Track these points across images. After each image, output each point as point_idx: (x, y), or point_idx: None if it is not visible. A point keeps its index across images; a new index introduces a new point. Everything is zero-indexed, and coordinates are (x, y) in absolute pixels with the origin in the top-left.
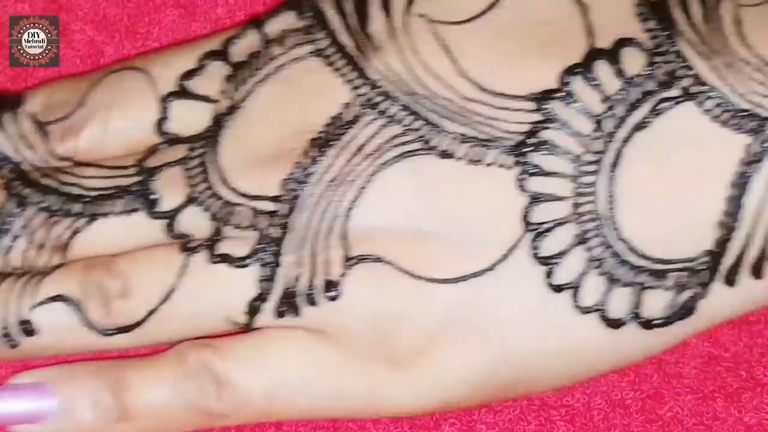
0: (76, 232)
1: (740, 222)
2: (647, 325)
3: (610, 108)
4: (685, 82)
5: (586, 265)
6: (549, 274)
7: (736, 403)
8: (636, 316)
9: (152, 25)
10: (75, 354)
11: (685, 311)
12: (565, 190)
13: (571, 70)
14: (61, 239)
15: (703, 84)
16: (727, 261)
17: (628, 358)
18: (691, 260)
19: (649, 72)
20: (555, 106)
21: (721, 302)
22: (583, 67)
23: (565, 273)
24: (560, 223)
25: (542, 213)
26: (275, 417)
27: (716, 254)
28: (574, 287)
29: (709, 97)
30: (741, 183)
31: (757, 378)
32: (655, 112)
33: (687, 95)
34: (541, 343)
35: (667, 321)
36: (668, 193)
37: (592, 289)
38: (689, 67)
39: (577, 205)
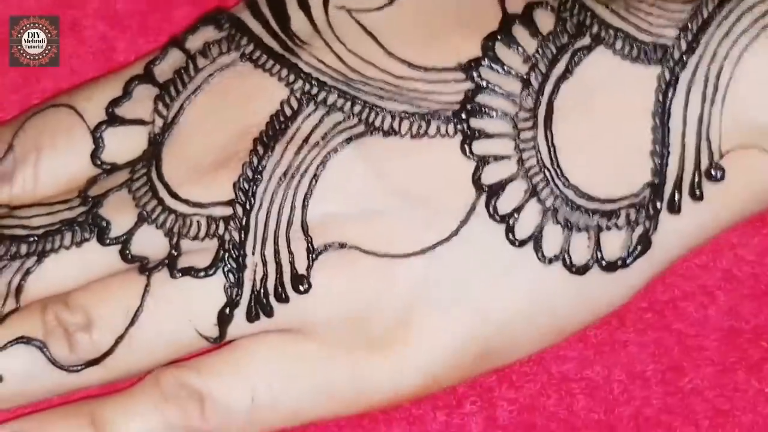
0: (27, 273)
1: (670, 147)
2: (611, 266)
3: (534, 66)
4: (594, 29)
5: (542, 217)
6: (509, 231)
7: (757, 374)
8: (599, 259)
9: (164, 21)
10: (48, 398)
11: (642, 246)
12: (508, 149)
13: (492, 37)
14: (13, 283)
15: (609, 27)
16: (668, 189)
17: (600, 304)
18: (635, 195)
19: (560, 27)
20: (483, 72)
21: (673, 233)
22: (501, 33)
23: (523, 227)
24: (510, 180)
25: (491, 174)
26: (263, 425)
27: (656, 185)
28: (536, 239)
29: (617, 38)
30: (662, 110)
31: None
32: (574, 61)
33: (597, 40)
34: (514, 300)
35: (627, 259)
36: (601, 134)
37: (552, 238)
38: (594, 15)
39: (522, 161)
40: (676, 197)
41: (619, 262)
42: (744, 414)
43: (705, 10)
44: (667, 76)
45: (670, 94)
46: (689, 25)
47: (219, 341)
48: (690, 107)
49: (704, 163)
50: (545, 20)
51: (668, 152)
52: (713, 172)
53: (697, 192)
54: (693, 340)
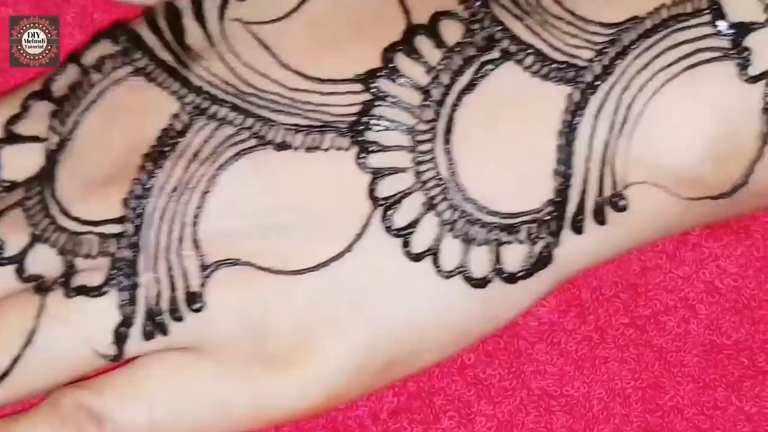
0: None
1: (574, 169)
2: (511, 278)
3: (436, 78)
4: (504, 44)
5: (439, 230)
6: (405, 245)
7: (737, 392)
8: (498, 271)
9: None
10: None
11: (543, 260)
12: (405, 161)
13: (392, 48)
14: None
15: (521, 43)
16: (571, 209)
17: (501, 315)
18: (537, 211)
19: (468, 39)
20: (382, 84)
21: (575, 250)
22: (403, 44)
23: (420, 241)
24: (406, 193)
25: (387, 187)
26: None
27: (559, 203)
28: (433, 253)
29: (528, 54)
30: (568, 131)
31: (758, 366)
32: (479, 75)
33: (507, 55)
34: (412, 314)
35: (529, 272)
36: (503, 149)
37: (451, 252)
38: (506, 30)
39: (419, 174)
40: (579, 218)
41: (521, 274)
42: None
43: (627, 38)
44: (577, 97)
45: (577, 116)
46: (607, 49)
47: (118, 360)
48: (597, 132)
49: (607, 189)
50: (452, 32)
51: (571, 173)
52: (616, 201)
53: (601, 216)
54: (674, 356)
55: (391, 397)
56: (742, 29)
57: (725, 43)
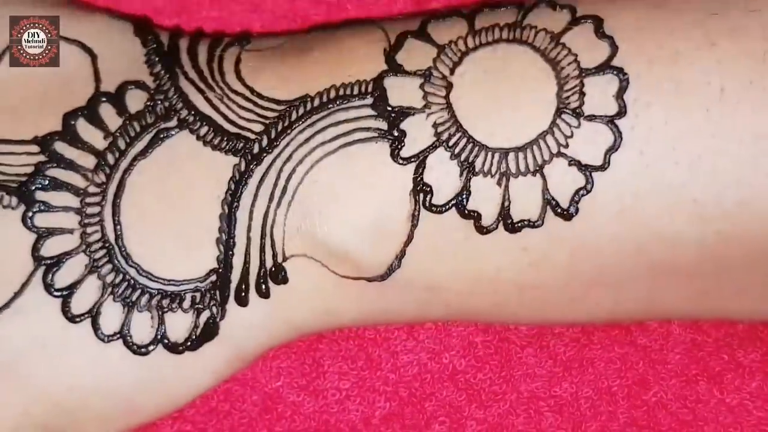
0: None
1: (236, 239)
2: (174, 348)
3: (113, 142)
4: (182, 114)
5: (100, 293)
6: (65, 306)
7: (719, 384)
8: (161, 339)
9: None
10: None
11: (208, 332)
12: (72, 223)
13: (74, 113)
14: None
15: (198, 114)
16: (235, 279)
17: (173, 388)
18: (200, 279)
19: (149, 108)
20: (59, 146)
21: (242, 324)
22: (86, 109)
23: (80, 303)
24: (70, 254)
25: (51, 247)
26: None
27: (221, 273)
28: (92, 316)
29: (202, 125)
30: (231, 200)
31: (738, 360)
32: (155, 142)
33: (183, 124)
34: (69, 378)
35: (194, 343)
36: (171, 216)
37: (112, 316)
38: (187, 101)
39: (85, 236)
40: (243, 289)
41: (188, 344)
42: (707, 424)
43: (295, 113)
44: (242, 167)
45: (241, 186)
46: (275, 123)
47: None
48: (258, 202)
49: (269, 261)
50: (137, 100)
51: (234, 242)
52: (276, 273)
53: (263, 288)
54: (657, 354)
55: (383, 403)
56: (400, 113)
57: (383, 125)
